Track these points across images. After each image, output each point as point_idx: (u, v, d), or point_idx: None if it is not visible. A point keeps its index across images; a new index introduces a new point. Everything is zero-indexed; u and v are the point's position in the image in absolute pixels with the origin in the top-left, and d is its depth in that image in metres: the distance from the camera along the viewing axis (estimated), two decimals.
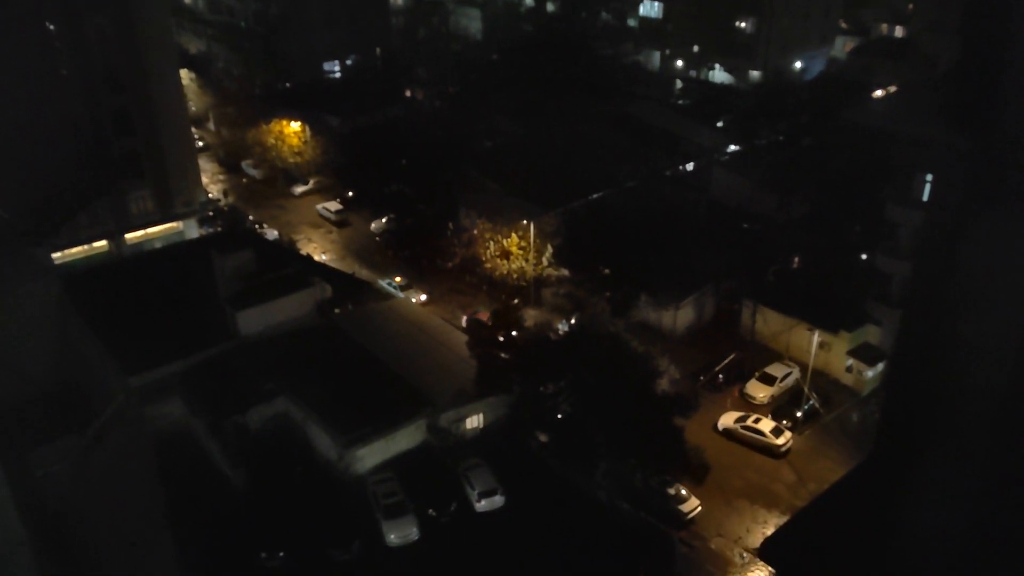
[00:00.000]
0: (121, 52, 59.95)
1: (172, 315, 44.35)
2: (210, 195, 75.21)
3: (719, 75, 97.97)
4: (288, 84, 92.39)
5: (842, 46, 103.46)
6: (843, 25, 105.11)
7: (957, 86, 29.41)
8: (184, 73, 78.57)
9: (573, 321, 49.97)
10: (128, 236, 63.47)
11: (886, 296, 49.06)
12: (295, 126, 78.85)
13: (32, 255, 53.35)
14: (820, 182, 58.77)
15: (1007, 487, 20.81)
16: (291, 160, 78.60)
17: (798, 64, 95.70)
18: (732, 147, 73.47)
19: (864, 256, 53.21)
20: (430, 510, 36.29)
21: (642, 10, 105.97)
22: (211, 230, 67.82)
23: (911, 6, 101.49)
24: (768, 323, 53.62)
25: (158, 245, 63.48)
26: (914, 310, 26.19)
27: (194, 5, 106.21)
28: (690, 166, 71.73)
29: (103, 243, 62.40)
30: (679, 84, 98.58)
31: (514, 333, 42.67)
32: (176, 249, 59.33)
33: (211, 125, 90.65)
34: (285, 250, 60.83)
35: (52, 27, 59.45)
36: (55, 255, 59.21)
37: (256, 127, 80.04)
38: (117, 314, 44.93)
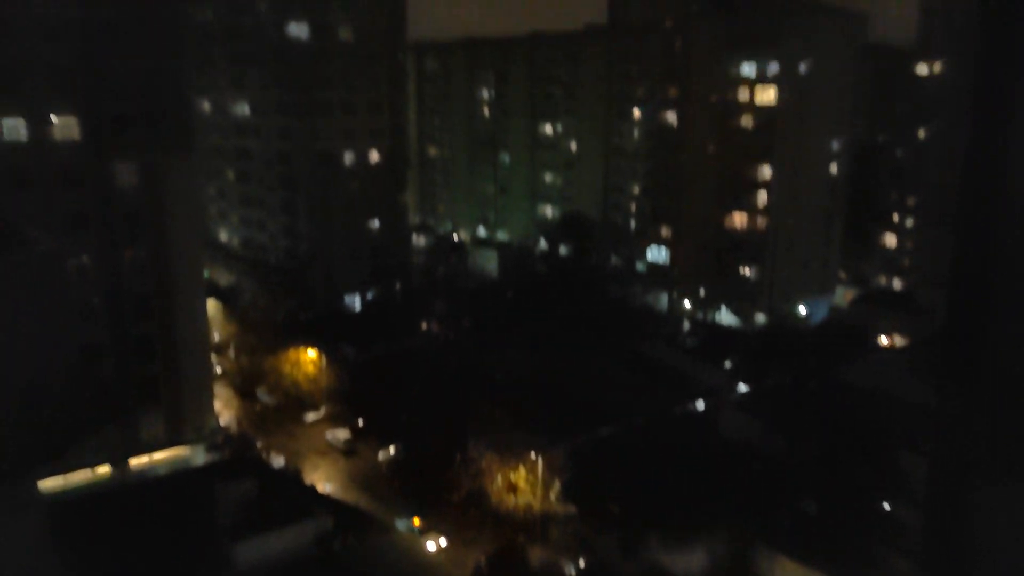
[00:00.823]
0: (152, 283, 63.27)
1: (169, 544, 43.04)
2: (221, 421, 75.57)
3: (726, 316, 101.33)
4: (310, 315, 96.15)
5: (843, 295, 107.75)
6: (843, 276, 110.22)
7: (952, 344, 30.50)
8: (211, 303, 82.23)
9: (581, 562, 47.87)
10: (133, 461, 63.12)
11: (906, 547, 46.98)
12: (312, 354, 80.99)
13: (13, 490, 52.24)
14: (831, 425, 58.61)
15: None
16: (305, 388, 79.77)
17: (802, 309, 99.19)
18: (741, 387, 74.28)
19: (882, 503, 51.73)
20: None
21: (650, 256, 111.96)
22: (218, 456, 67.37)
23: (908, 260, 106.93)
24: (785, 570, 50.93)
25: (163, 471, 62.86)
26: (929, 568, 25.26)
27: (228, 243, 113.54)
28: (699, 405, 72.12)
29: (106, 468, 61.91)
30: (687, 325, 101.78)
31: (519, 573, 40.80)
32: (180, 476, 58.70)
33: (231, 352, 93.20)
34: (290, 479, 59.96)
35: (86, 258, 62.21)
36: (55, 481, 58.30)
37: (274, 355, 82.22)
38: (110, 544, 43.60)
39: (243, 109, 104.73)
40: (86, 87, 58.55)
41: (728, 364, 79.41)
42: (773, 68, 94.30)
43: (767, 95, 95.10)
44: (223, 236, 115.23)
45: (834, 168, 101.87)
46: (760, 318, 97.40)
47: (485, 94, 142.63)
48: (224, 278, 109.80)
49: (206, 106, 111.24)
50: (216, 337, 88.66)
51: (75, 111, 58.67)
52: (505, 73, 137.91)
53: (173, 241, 63.84)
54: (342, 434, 74.23)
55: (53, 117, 58.02)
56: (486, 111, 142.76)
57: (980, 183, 30.73)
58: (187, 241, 65.50)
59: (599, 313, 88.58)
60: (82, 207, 59.71)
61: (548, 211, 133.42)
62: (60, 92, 57.99)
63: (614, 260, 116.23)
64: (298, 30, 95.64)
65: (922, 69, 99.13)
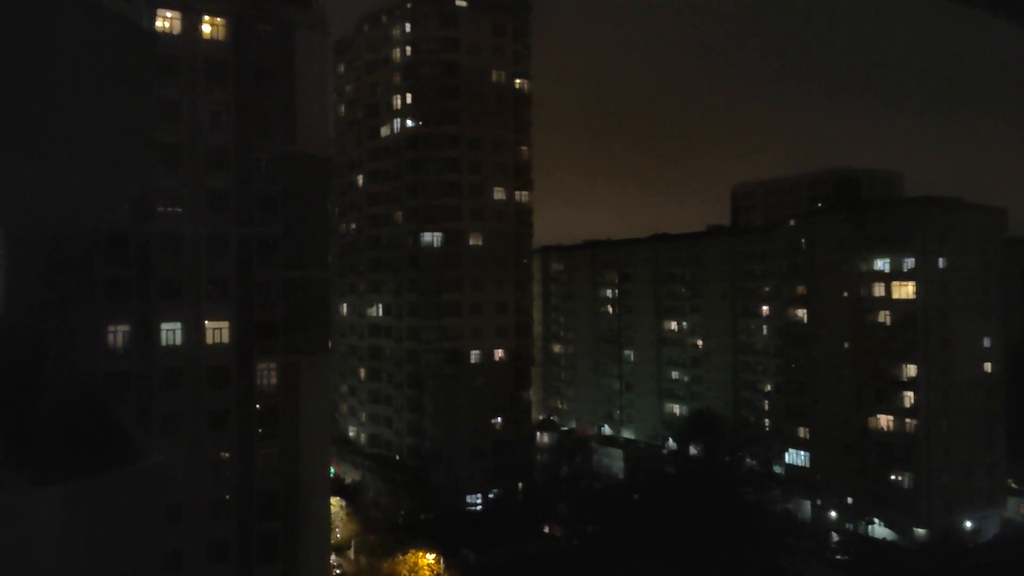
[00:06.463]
0: (280, 481, 64.17)
1: None
2: None
3: (879, 529, 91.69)
4: (431, 515, 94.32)
5: (1017, 508, 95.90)
6: (1012, 484, 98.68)
7: None
8: (335, 501, 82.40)
9: None
10: None
11: None
12: (430, 558, 78.40)
13: None
14: None
15: None
16: None
17: (968, 524, 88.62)
18: None
19: None
20: None
21: (787, 458, 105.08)
22: None
23: None
24: None
25: None
26: None
27: (356, 438, 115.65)
28: None
29: None
30: (835, 537, 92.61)
31: None
32: None
33: (351, 553, 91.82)
34: None
35: (226, 455, 64.25)
36: None
37: (393, 558, 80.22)
38: None
39: (377, 311, 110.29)
40: (238, 296, 63.32)
41: None
42: (909, 263, 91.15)
43: (905, 290, 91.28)
44: (351, 432, 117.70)
45: (988, 367, 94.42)
46: (919, 532, 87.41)
47: (609, 293, 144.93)
48: (349, 475, 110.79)
49: (344, 309, 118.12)
50: (337, 536, 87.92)
51: (227, 317, 63.21)
52: (629, 273, 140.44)
53: (304, 438, 65.35)
54: None
55: (207, 322, 62.62)
56: (610, 309, 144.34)
57: None
58: (317, 438, 66.93)
59: (734, 520, 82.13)
60: (225, 406, 62.66)
61: (675, 409, 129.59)
62: (216, 300, 62.93)
63: (748, 462, 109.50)
64: (431, 238, 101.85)
65: None
